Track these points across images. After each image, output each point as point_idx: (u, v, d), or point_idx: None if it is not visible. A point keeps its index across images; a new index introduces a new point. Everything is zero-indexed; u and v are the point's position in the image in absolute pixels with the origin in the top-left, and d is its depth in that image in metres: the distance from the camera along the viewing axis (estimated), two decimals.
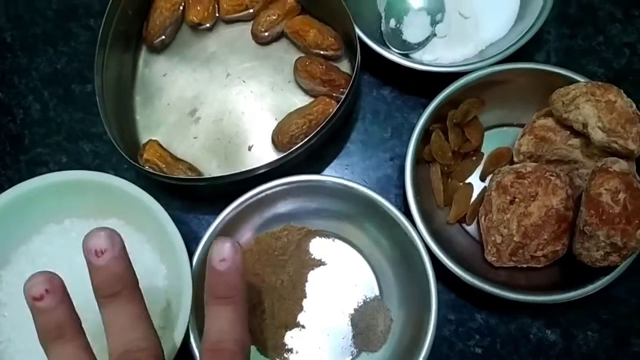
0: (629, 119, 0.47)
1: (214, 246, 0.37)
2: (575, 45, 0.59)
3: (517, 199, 0.49)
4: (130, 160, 0.50)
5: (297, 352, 0.52)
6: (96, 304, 0.40)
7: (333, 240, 0.55)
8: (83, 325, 0.48)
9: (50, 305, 0.35)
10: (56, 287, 0.36)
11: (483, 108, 0.55)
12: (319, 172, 0.57)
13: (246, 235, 0.53)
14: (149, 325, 0.38)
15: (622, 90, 0.48)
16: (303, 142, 0.50)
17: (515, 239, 0.49)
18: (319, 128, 0.50)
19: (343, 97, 0.52)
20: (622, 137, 0.47)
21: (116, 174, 0.55)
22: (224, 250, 0.37)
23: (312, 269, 0.54)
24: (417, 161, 0.52)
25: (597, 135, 0.47)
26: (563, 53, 0.59)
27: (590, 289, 0.48)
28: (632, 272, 0.52)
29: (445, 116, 0.53)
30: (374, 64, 0.57)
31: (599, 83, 0.49)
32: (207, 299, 0.39)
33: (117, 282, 0.37)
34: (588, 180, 0.47)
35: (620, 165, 0.46)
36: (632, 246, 0.45)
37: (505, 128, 0.57)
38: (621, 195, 0.44)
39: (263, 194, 0.51)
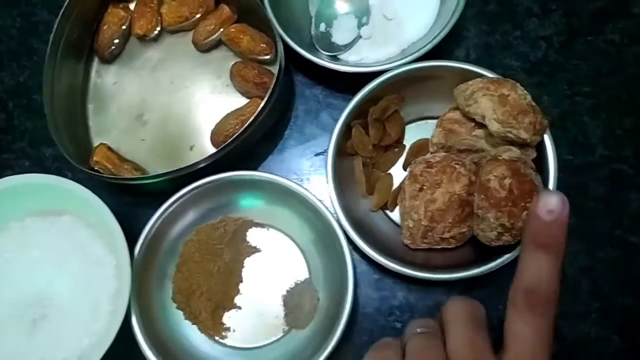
0: (522, 111, 0.51)
1: (542, 197, 0.39)
2: (493, 41, 0.63)
3: (424, 187, 0.54)
4: (75, 164, 0.56)
5: (234, 331, 0.57)
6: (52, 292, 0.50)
7: (267, 229, 0.60)
8: (40, 311, 0.55)
9: None
10: None
11: (403, 103, 0.59)
12: (255, 168, 0.62)
13: (186, 226, 0.59)
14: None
15: (517, 84, 0.52)
16: (231, 139, 0.55)
17: (423, 223, 0.53)
18: (245, 126, 0.55)
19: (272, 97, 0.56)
20: (515, 127, 0.51)
21: (73, 176, 0.61)
22: (553, 201, 0.38)
23: (248, 256, 0.59)
24: (342, 154, 0.57)
25: (494, 126, 0.51)
26: (482, 49, 0.63)
27: (492, 266, 0.52)
28: None
29: (368, 112, 0.58)
30: (306, 66, 0.62)
31: (495, 78, 0.53)
32: (527, 243, 0.39)
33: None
34: (481, 168, 0.51)
35: (511, 153, 0.50)
36: (519, 227, 0.49)
37: (427, 121, 0.61)
38: (507, 181, 0.49)
39: (200, 189, 0.57)
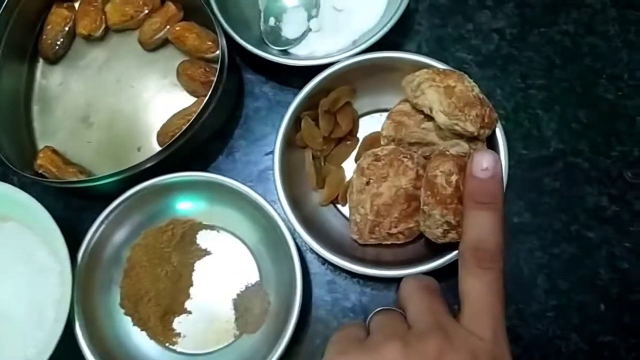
0: (469, 103, 0.50)
1: (475, 156, 0.42)
2: (445, 34, 0.62)
3: (371, 180, 0.52)
4: (16, 169, 0.54)
5: (184, 336, 0.56)
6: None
7: (217, 231, 0.58)
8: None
9: None
10: None
11: (355, 95, 0.58)
12: (205, 167, 0.60)
13: (133, 229, 0.57)
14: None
15: (465, 75, 0.51)
16: (172, 140, 0.54)
17: (369, 217, 0.52)
18: (185, 127, 0.54)
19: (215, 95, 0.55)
20: (461, 119, 0.49)
21: (19, 180, 0.60)
22: (485, 159, 0.42)
23: (199, 259, 0.57)
24: (291, 147, 0.55)
25: (440, 119, 0.50)
26: (434, 42, 0.62)
27: (439, 263, 0.50)
28: None
29: (319, 104, 0.56)
30: (256, 63, 0.61)
31: (441, 69, 0.52)
32: (467, 203, 0.43)
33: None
34: (428, 163, 0.50)
35: (459, 148, 0.49)
36: None
37: (381, 114, 0.60)
38: (454, 177, 0.47)
39: (146, 191, 0.55)
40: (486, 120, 0.50)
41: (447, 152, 0.49)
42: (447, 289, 0.55)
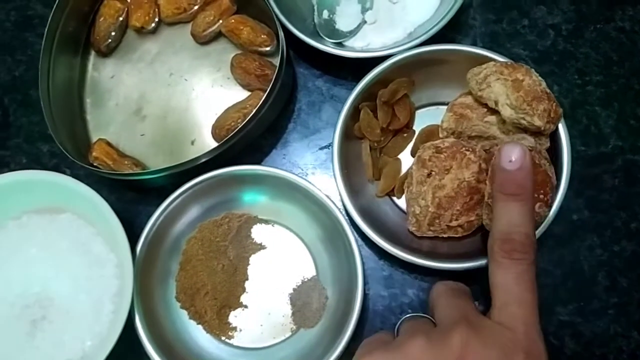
0: (536, 97, 0.49)
1: (503, 149, 0.42)
2: (500, 30, 0.61)
3: (433, 172, 0.52)
4: (74, 160, 0.54)
5: (240, 330, 0.56)
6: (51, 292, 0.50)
7: (272, 225, 0.58)
8: (40, 312, 0.53)
9: None
10: None
11: (413, 87, 0.57)
12: (258, 162, 0.60)
13: (189, 223, 0.57)
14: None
15: (532, 70, 0.50)
16: (233, 133, 0.53)
17: (430, 209, 0.52)
18: (246, 120, 0.53)
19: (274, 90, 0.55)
20: (529, 114, 0.49)
21: (72, 172, 0.60)
22: (514, 152, 0.42)
23: (253, 253, 0.57)
24: (348, 138, 0.55)
25: (507, 112, 0.50)
26: (489, 38, 0.61)
27: None
28: (556, 245, 0.55)
29: (376, 95, 0.56)
30: (309, 56, 0.61)
31: (509, 62, 0.51)
32: (495, 195, 0.43)
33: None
34: (494, 155, 0.49)
35: (525, 142, 0.49)
36: None
37: (437, 107, 0.59)
38: None
39: (202, 184, 0.55)
40: (552, 115, 0.50)
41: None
42: None
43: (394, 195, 0.58)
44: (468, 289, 0.44)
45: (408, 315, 0.43)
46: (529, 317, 0.38)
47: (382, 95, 0.55)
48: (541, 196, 0.47)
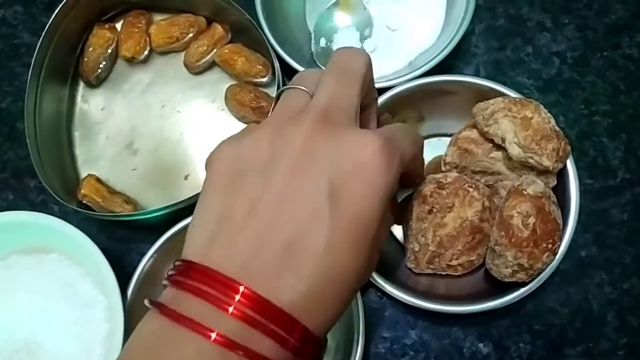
0: (545, 136, 0.47)
1: None
2: (503, 58, 0.60)
3: (434, 209, 0.50)
4: (61, 200, 0.52)
5: None
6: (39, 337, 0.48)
7: None
8: (28, 358, 0.51)
9: None
10: None
11: (422, 122, 0.56)
12: None
13: None
14: None
15: (541, 106, 0.48)
16: None
17: (430, 248, 0.50)
18: None
19: None
20: (537, 153, 0.47)
21: (60, 209, 0.58)
22: None
23: None
24: None
25: (514, 150, 0.48)
26: (492, 66, 0.59)
27: (507, 299, 0.48)
28: (564, 283, 0.54)
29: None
30: None
31: (518, 98, 0.49)
32: None
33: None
34: (503, 200, 0.48)
35: (535, 187, 0.47)
36: (538, 267, 0.46)
37: (439, 138, 0.58)
38: (531, 220, 0.45)
39: None
40: (561, 154, 0.48)
41: (525, 192, 0.46)
42: (512, 325, 0.53)
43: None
44: (363, 63, 0.35)
45: (285, 87, 0.37)
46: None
47: (386, 120, 0.53)
48: (549, 245, 0.45)
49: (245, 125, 0.56)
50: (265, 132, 0.32)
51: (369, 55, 0.37)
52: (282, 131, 0.32)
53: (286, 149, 0.31)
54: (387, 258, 0.53)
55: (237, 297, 0.27)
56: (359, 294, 0.49)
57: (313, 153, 0.30)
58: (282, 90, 0.37)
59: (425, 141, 0.56)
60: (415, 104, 0.54)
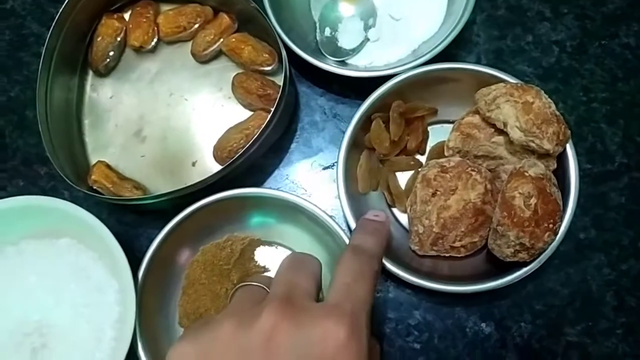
0: (546, 120, 0.49)
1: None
2: (504, 47, 0.61)
3: (438, 192, 0.51)
4: (73, 184, 0.53)
5: None
6: (51, 319, 0.48)
7: (276, 247, 0.57)
8: (40, 340, 0.52)
9: None
10: None
11: (435, 115, 0.58)
12: (261, 182, 0.59)
13: (191, 246, 0.56)
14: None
15: (542, 91, 0.50)
16: (236, 156, 0.52)
17: (434, 230, 0.51)
18: (250, 142, 0.52)
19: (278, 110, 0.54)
20: (538, 137, 0.49)
21: (70, 194, 0.59)
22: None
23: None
24: (353, 158, 0.55)
25: (516, 134, 0.49)
26: (493, 55, 0.61)
27: (510, 279, 0.49)
28: (563, 264, 0.55)
29: (383, 111, 0.55)
30: (311, 74, 0.60)
31: (519, 84, 0.51)
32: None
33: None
34: (505, 182, 0.49)
35: (536, 169, 0.48)
36: (539, 247, 0.47)
37: (442, 125, 0.59)
38: (533, 200, 0.47)
39: (205, 208, 0.54)
40: (561, 138, 0.49)
41: (526, 173, 0.48)
42: (513, 305, 0.55)
43: (393, 207, 0.57)
44: (316, 264, 0.40)
45: (240, 284, 0.40)
46: (361, 296, 0.35)
47: (399, 105, 0.55)
48: (550, 225, 0.47)
49: (251, 113, 0.57)
50: (227, 326, 0.33)
51: (320, 263, 0.41)
52: (244, 323, 0.33)
53: (251, 347, 0.32)
54: (392, 243, 0.55)
55: None
56: None
57: (278, 347, 0.31)
58: (237, 289, 0.39)
59: (429, 127, 0.58)
60: (417, 91, 0.55)
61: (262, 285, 0.39)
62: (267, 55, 0.58)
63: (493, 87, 0.51)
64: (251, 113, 0.59)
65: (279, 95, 0.53)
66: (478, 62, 0.60)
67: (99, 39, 0.60)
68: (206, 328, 0.34)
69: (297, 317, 0.32)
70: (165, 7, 0.62)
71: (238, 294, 0.40)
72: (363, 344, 0.32)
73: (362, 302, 0.35)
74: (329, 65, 0.56)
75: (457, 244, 0.52)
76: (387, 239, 0.44)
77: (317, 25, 0.61)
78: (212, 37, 0.59)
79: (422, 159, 0.58)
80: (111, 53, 0.61)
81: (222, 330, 0.33)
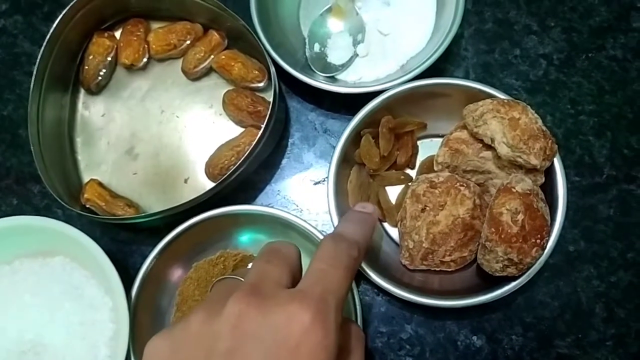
0: (533, 135, 0.49)
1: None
2: (492, 60, 0.61)
3: (427, 207, 0.52)
4: (65, 204, 0.53)
5: None
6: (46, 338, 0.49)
7: None
8: (35, 355, 0.52)
9: None
10: None
11: (424, 130, 0.58)
12: (252, 198, 0.60)
13: (184, 263, 0.56)
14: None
15: (528, 107, 0.50)
16: (227, 175, 0.53)
17: (424, 245, 0.52)
18: (242, 159, 0.53)
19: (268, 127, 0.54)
20: (525, 152, 0.49)
21: (64, 212, 0.59)
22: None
23: None
24: (344, 173, 0.55)
25: (503, 150, 0.50)
26: (481, 68, 0.61)
27: (499, 293, 0.50)
28: (553, 277, 0.55)
29: (372, 126, 0.55)
30: (301, 90, 0.60)
31: (506, 100, 0.51)
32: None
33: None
34: (492, 198, 0.49)
35: (524, 185, 0.49)
36: (527, 262, 0.48)
37: (431, 139, 0.59)
38: (520, 216, 0.47)
39: (197, 226, 0.54)
40: (548, 153, 0.50)
41: (513, 189, 0.48)
42: (504, 318, 0.55)
43: (384, 221, 0.57)
44: (292, 251, 0.40)
45: (219, 278, 0.40)
46: (334, 282, 0.35)
47: (388, 121, 0.55)
48: (538, 240, 0.47)
49: (242, 129, 0.58)
50: (196, 318, 0.34)
51: (298, 249, 0.40)
52: (212, 314, 0.33)
53: (219, 335, 0.32)
54: (383, 257, 0.55)
55: None
56: (355, 291, 0.51)
57: (244, 334, 0.32)
58: (214, 283, 0.40)
59: (419, 142, 0.58)
60: (406, 106, 0.56)
61: (238, 278, 0.39)
62: (257, 72, 0.59)
63: (480, 103, 0.51)
64: (242, 130, 0.59)
65: (269, 112, 0.54)
66: (466, 76, 0.61)
67: (90, 57, 0.61)
68: (179, 323, 0.35)
69: (263, 303, 0.33)
70: (155, 25, 0.62)
71: (214, 288, 0.40)
72: (330, 329, 0.32)
73: (334, 287, 0.35)
74: (318, 82, 0.56)
75: (447, 258, 0.52)
76: (372, 230, 0.44)
77: (307, 41, 0.62)
78: (202, 54, 0.60)
79: (413, 173, 0.58)
80: (102, 71, 0.61)
81: (192, 323, 0.34)
